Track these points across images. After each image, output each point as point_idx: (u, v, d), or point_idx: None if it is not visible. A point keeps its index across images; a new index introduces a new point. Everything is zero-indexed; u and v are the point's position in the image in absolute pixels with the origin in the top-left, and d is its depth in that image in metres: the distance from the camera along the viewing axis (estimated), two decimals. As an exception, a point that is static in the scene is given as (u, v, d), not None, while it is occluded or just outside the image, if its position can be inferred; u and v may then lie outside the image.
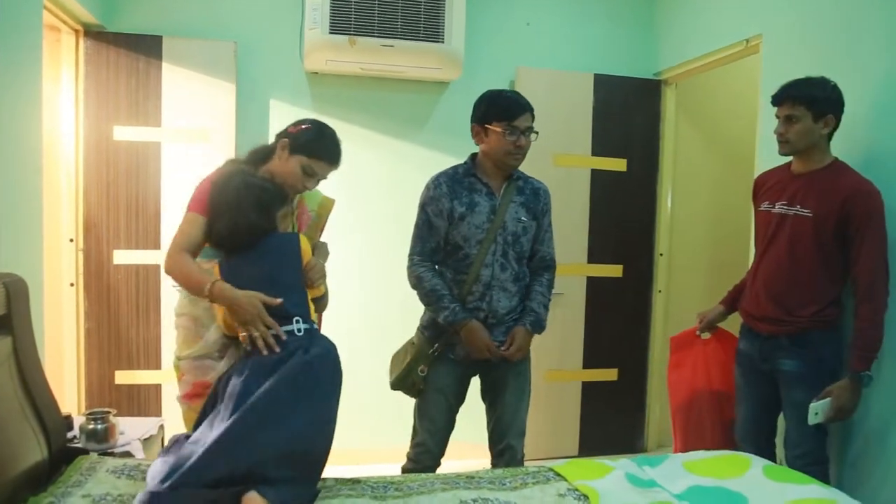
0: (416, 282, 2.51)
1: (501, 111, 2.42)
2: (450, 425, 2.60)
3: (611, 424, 4.06)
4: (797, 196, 2.44)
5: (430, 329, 2.54)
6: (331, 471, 1.99)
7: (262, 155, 2.21)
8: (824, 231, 2.35)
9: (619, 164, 3.99)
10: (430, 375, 2.52)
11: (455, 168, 2.56)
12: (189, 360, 2.10)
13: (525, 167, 3.77)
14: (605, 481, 2.05)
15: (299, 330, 1.94)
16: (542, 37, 3.97)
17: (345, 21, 3.35)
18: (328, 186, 2.40)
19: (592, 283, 3.98)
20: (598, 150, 3.95)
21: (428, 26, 3.43)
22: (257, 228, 1.99)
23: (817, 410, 2.34)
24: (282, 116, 3.66)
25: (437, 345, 2.50)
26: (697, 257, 4.31)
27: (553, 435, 3.97)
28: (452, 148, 3.67)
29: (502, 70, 3.87)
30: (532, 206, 2.55)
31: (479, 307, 2.47)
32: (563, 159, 3.89)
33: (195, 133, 3.46)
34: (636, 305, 4.11)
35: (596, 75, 3.92)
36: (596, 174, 3.95)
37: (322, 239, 2.41)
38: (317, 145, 2.18)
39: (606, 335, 4.03)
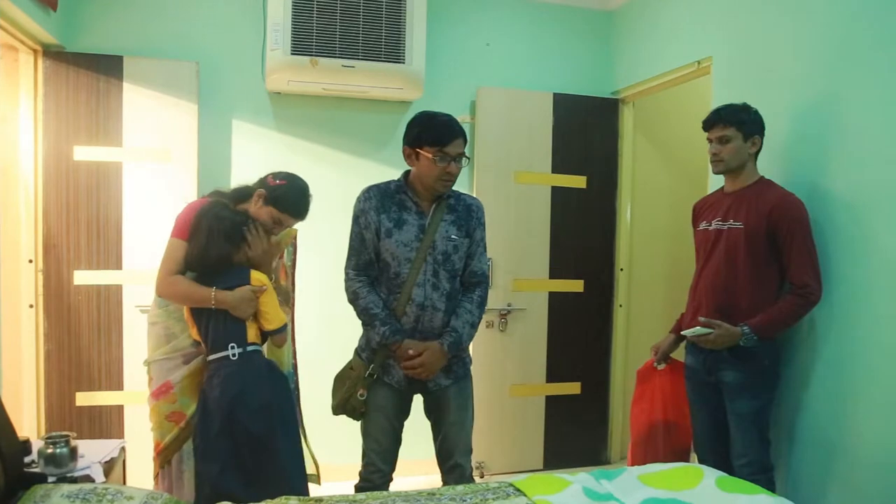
0: (353, 297, 2.52)
1: (434, 136, 2.40)
2: (396, 443, 2.60)
3: (575, 437, 4.11)
4: (730, 212, 2.60)
5: (366, 351, 2.54)
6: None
7: (244, 194, 2.53)
8: (756, 240, 2.50)
9: (578, 181, 4.07)
10: (370, 397, 2.52)
11: (388, 183, 2.55)
12: (157, 363, 2.47)
13: (486, 185, 3.88)
14: (563, 495, 2.08)
15: (234, 355, 2.34)
16: (502, 57, 4.04)
17: (306, 42, 3.38)
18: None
19: (554, 298, 4.05)
20: (558, 167, 4.02)
21: (389, 47, 3.48)
22: (224, 257, 2.36)
23: (695, 332, 2.56)
24: (244, 136, 3.68)
25: (371, 366, 2.50)
26: (657, 271, 4.41)
27: (517, 449, 4.01)
28: (415, 166, 3.73)
29: (463, 90, 3.93)
30: (464, 224, 2.53)
31: (414, 328, 2.47)
32: (523, 177, 3.96)
33: (157, 153, 3.45)
34: (598, 320, 4.18)
35: (555, 94, 4.00)
36: (556, 191, 4.02)
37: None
38: (288, 203, 2.49)
39: (569, 349, 4.09)
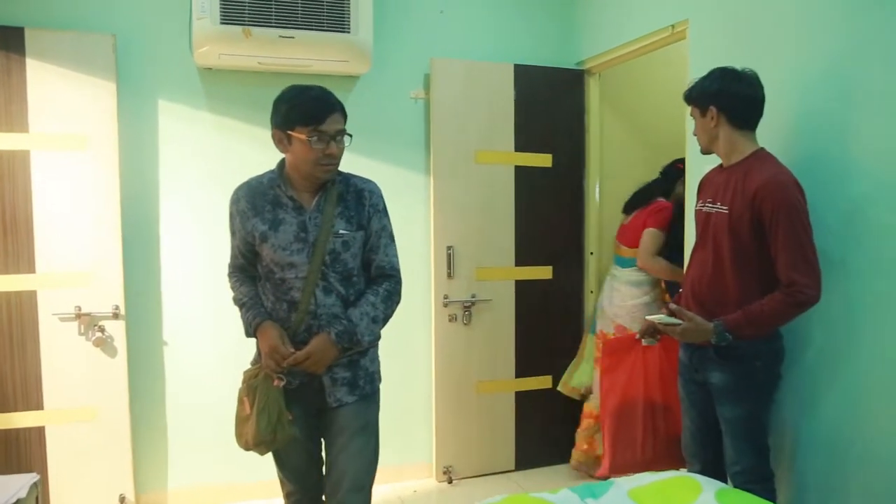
0: (232, 294, 2.29)
1: (305, 114, 2.05)
2: (317, 463, 2.30)
3: (547, 435, 3.85)
4: (719, 193, 2.30)
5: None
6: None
7: (663, 186, 3.52)
8: (740, 228, 2.18)
9: (544, 160, 3.78)
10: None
11: (261, 178, 2.20)
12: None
13: (444, 166, 3.57)
14: (546, 521, 1.83)
15: None
16: (458, 25, 3.71)
17: (237, 10, 3.00)
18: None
19: (521, 286, 3.77)
20: (521, 145, 3.73)
21: (332, 15, 3.12)
22: None
23: (662, 319, 2.33)
24: (172, 118, 3.28)
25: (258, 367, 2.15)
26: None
27: (487, 450, 3.74)
28: (365, 149, 3.39)
29: (415, 62, 3.60)
30: (355, 215, 2.17)
31: (307, 341, 2.11)
32: (484, 156, 3.65)
33: (71, 139, 3.04)
34: (568, 307, 3.91)
35: (516, 66, 3.69)
36: (520, 171, 3.73)
37: None
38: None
39: (539, 341, 3.83)
